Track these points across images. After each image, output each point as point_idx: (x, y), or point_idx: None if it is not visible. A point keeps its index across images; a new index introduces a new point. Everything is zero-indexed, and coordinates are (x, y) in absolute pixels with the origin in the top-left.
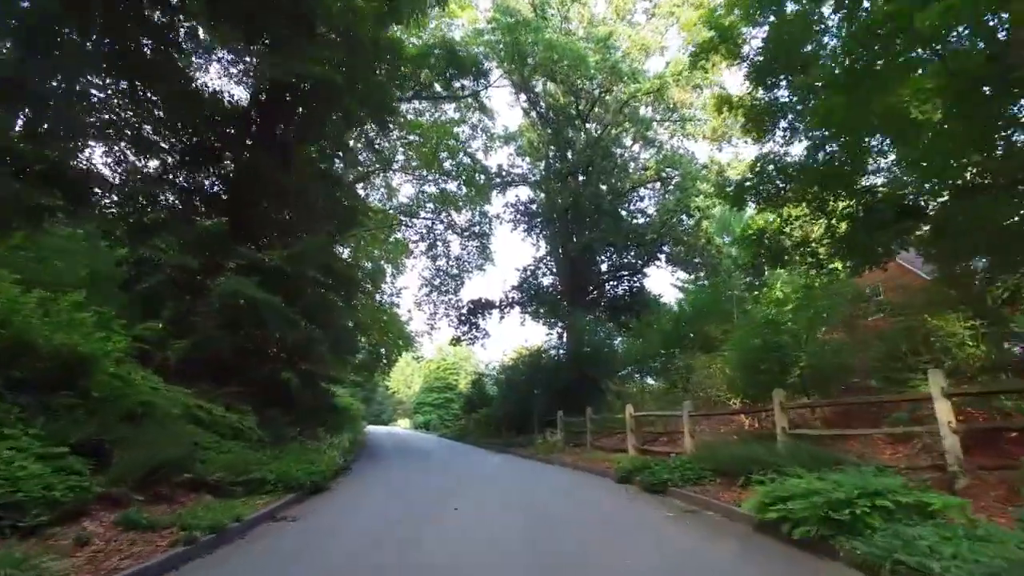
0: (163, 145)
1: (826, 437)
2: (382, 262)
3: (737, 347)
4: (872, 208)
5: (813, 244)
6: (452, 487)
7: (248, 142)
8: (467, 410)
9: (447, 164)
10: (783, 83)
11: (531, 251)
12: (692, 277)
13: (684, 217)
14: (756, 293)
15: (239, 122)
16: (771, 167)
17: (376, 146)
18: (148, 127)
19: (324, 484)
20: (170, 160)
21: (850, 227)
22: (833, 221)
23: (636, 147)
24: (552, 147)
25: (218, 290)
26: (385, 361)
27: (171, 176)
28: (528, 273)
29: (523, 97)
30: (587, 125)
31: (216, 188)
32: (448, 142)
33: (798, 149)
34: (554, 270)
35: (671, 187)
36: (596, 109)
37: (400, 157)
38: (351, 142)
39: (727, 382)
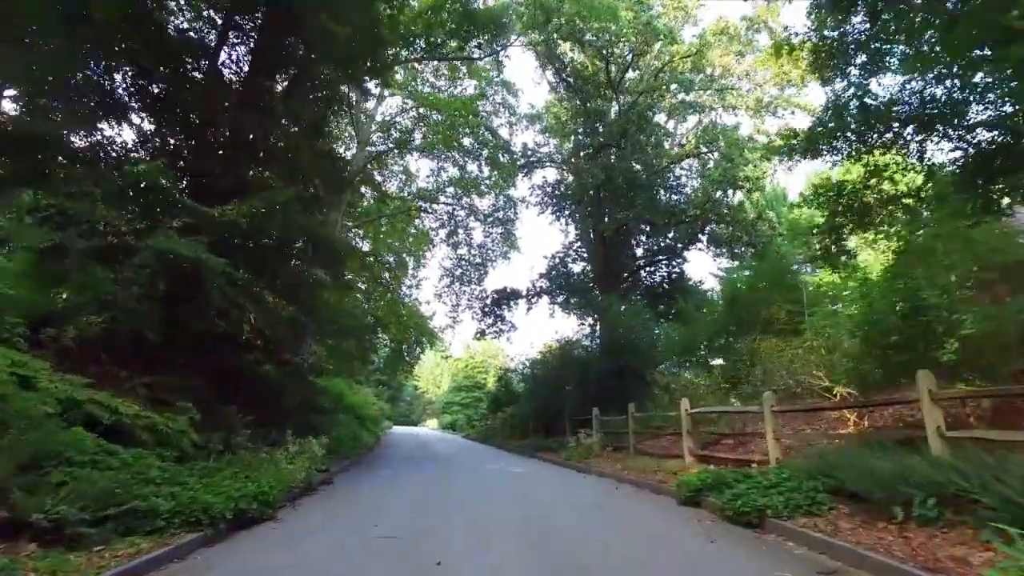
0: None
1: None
2: (404, 255)
3: (863, 314)
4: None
5: (908, 198)
6: (453, 513)
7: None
8: (492, 409)
9: (467, 142)
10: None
11: (559, 237)
12: (736, 263)
13: (729, 192)
14: (839, 259)
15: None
16: (852, 106)
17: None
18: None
19: (263, 513)
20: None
21: (959, 174)
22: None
23: (671, 123)
24: (581, 120)
25: (147, 251)
26: (408, 358)
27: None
28: (556, 260)
29: (548, 72)
30: (619, 97)
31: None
32: (468, 117)
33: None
34: (585, 256)
35: (714, 158)
36: (629, 75)
37: (417, 137)
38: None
39: (827, 366)
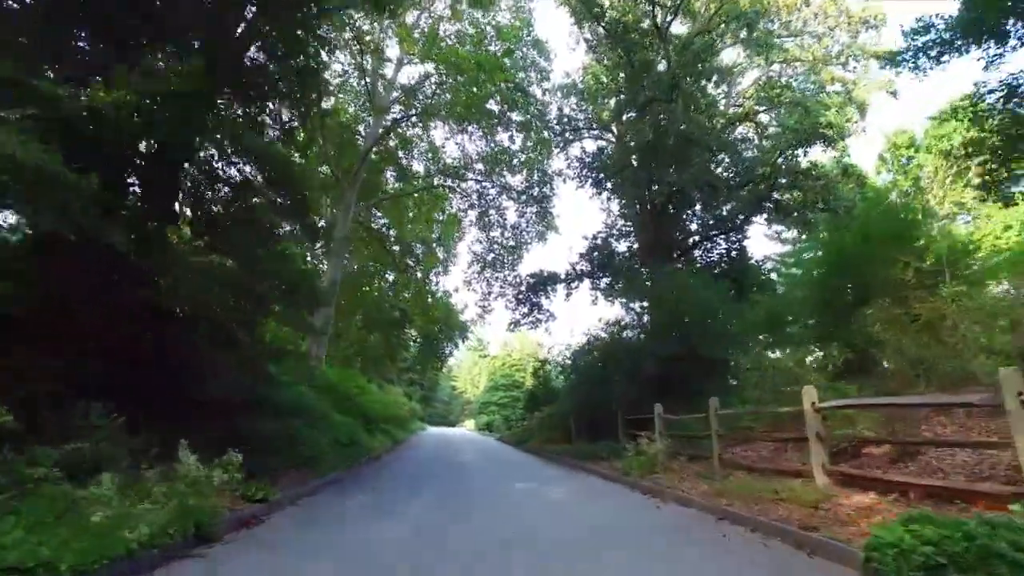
0: None
1: None
2: (433, 244)
3: None
4: None
5: None
6: None
7: None
8: (529, 409)
9: (495, 108)
10: None
11: (600, 216)
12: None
13: (800, 152)
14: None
15: None
16: None
17: None
18: None
19: None
20: None
21: None
22: None
23: (723, 87)
24: (624, 76)
25: None
26: (439, 354)
27: None
28: (598, 240)
29: (584, 30)
30: (667, 47)
31: None
32: (496, 74)
33: None
34: (631, 232)
35: (779, 114)
36: (678, 21)
37: (441, 104)
38: None
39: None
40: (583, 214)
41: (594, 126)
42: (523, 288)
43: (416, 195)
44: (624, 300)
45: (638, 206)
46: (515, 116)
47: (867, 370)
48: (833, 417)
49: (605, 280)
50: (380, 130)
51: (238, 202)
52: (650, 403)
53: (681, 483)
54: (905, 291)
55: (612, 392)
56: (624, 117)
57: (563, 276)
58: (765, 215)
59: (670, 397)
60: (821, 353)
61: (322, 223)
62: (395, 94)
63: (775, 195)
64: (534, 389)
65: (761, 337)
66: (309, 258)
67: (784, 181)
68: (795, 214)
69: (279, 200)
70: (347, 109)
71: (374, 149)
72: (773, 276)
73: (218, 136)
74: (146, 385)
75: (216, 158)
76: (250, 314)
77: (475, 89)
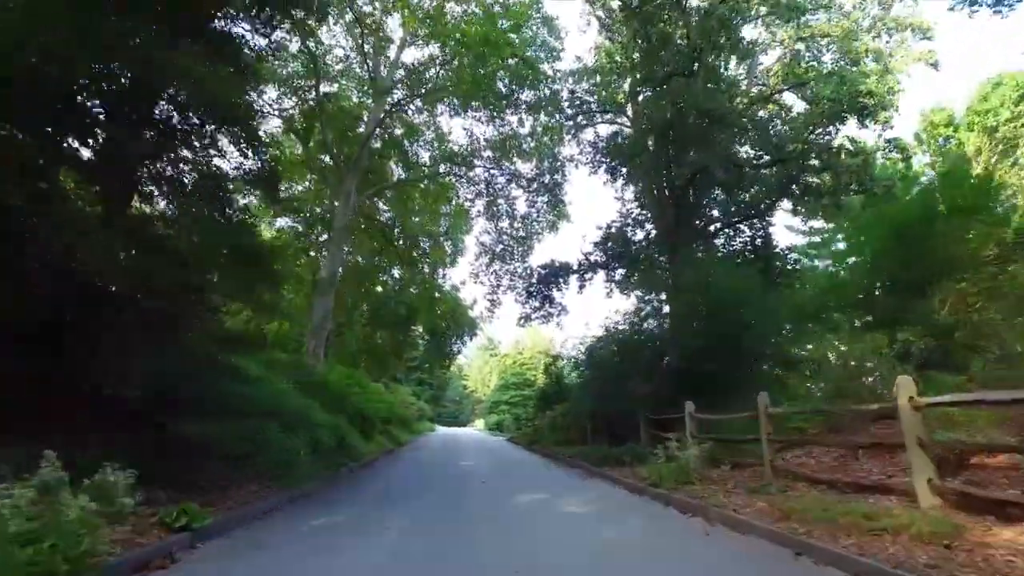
0: None
1: None
2: (440, 238)
3: None
4: None
5: None
6: None
7: None
8: (540, 408)
9: (502, 87)
10: None
11: (616, 205)
12: (829, 226)
13: (833, 129)
14: None
15: None
16: None
17: None
18: None
19: None
20: None
21: None
22: None
23: (744, 66)
24: (640, 52)
25: None
26: (448, 351)
27: None
28: (613, 229)
29: (597, 6)
30: (688, 18)
31: None
32: (503, 48)
33: None
34: (648, 220)
35: (811, 90)
36: None
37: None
38: None
39: None
40: (597, 201)
41: (607, 109)
42: (534, 280)
43: (422, 185)
44: (641, 292)
45: (656, 191)
46: (524, 96)
47: (955, 358)
48: (928, 417)
49: (620, 271)
50: (382, 114)
51: (195, 161)
52: (675, 400)
53: (728, 498)
54: (984, 266)
55: (632, 388)
56: (640, 97)
57: (576, 267)
58: (791, 200)
59: (698, 394)
60: (887, 340)
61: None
62: (398, 73)
63: (805, 177)
64: (545, 387)
65: (810, 325)
66: (312, 253)
67: (815, 161)
68: (826, 197)
69: (246, 165)
70: (348, 96)
71: (377, 135)
72: (800, 266)
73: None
74: (41, 378)
75: (175, 109)
76: (197, 293)
77: (481, 67)
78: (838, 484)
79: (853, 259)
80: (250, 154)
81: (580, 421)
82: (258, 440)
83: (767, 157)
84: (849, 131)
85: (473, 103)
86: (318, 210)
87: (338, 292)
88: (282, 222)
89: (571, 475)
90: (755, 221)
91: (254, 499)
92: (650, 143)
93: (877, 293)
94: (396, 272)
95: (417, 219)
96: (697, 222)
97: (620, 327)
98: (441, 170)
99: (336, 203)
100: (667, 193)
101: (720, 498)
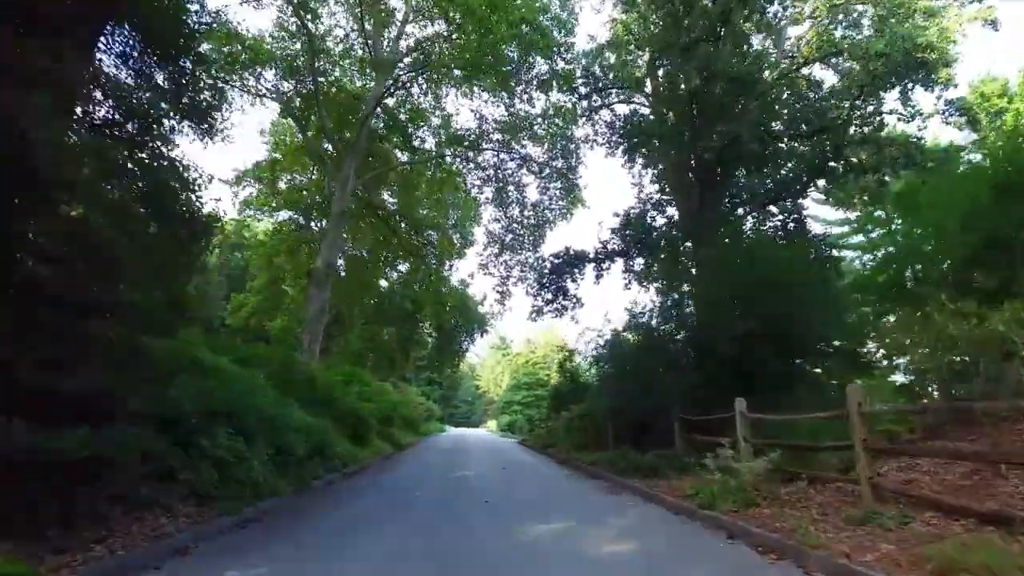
0: None
1: None
2: (449, 230)
3: None
4: None
5: None
6: None
7: None
8: (554, 407)
9: (510, 52)
10: None
11: (634, 191)
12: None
13: (881, 95)
14: None
15: None
16: None
17: None
18: None
19: None
20: None
21: None
22: None
23: (770, 40)
24: (663, 15)
25: None
26: (457, 350)
27: None
28: (631, 216)
29: None
30: None
31: None
32: (512, 11)
33: None
34: (669, 205)
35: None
36: None
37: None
38: None
39: None
40: (614, 184)
41: (625, 86)
42: (546, 270)
43: (428, 173)
44: (663, 282)
45: (678, 172)
46: (536, 68)
47: None
48: None
49: (640, 260)
50: (383, 90)
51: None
52: (714, 398)
53: (822, 531)
54: None
55: (662, 384)
56: (661, 71)
57: (592, 255)
58: (828, 179)
59: (743, 390)
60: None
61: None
62: (402, 45)
63: (845, 152)
64: (559, 386)
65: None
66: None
67: (857, 132)
68: (869, 174)
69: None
70: (348, 78)
71: (380, 116)
72: (835, 252)
73: None
74: None
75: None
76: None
77: (488, 33)
78: (985, 515)
79: (915, 231)
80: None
81: (600, 422)
82: (193, 451)
83: (805, 127)
84: (890, 103)
85: (480, 77)
86: (319, 199)
87: (340, 287)
88: (283, 216)
89: (595, 489)
90: (787, 203)
91: (153, 538)
92: (671, 117)
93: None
94: (402, 267)
95: (425, 211)
96: (724, 204)
97: (644, 314)
98: (447, 156)
99: (334, 188)
100: (691, 174)
101: (811, 531)
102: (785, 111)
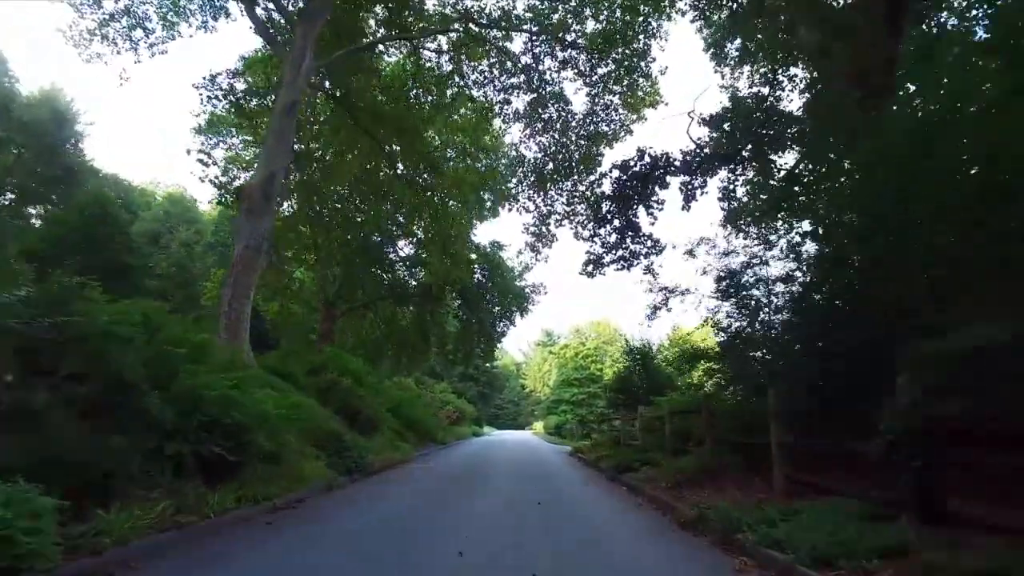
0: None
1: None
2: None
3: None
4: None
5: None
6: None
7: None
8: (619, 402)
9: None
10: None
11: (742, 71)
12: None
13: None
14: None
15: None
16: None
17: None
18: None
19: None
20: None
21: None
22: None
23: None
24: None
25: None
26: (491, 331)
27: None
28: (746, 98)
29: None
30: None
31: None
32: None
33: None
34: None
35: None
36: None
37: None
38: None
39: None
40: (701, 72)
41: None
42: (608, 192)
43: (428, 63)
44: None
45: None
46: None
47: None
48: None
49: (752, 168)
50: None
51: None
52: None
53: None
54: None
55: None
56: None
57: (680, 161)
58: None
59: None
60: None
61: None
62: None
63: None
64: (628, 373)
65: None
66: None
67: None
68: None
69: None
70: None
71: None
72: None
73: None
74: None
75: None
76: None
77: None
78: None
79: None
80: None
81: (748, 428)
82: None
83: None
84: None
85: None
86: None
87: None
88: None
89: None
90: None
91: None
92: None
93: None
94: (418, 234)
95: (430, 132)
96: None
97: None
98: (457, 29)
99: (284, 72)
100: None
101: None
102: None
